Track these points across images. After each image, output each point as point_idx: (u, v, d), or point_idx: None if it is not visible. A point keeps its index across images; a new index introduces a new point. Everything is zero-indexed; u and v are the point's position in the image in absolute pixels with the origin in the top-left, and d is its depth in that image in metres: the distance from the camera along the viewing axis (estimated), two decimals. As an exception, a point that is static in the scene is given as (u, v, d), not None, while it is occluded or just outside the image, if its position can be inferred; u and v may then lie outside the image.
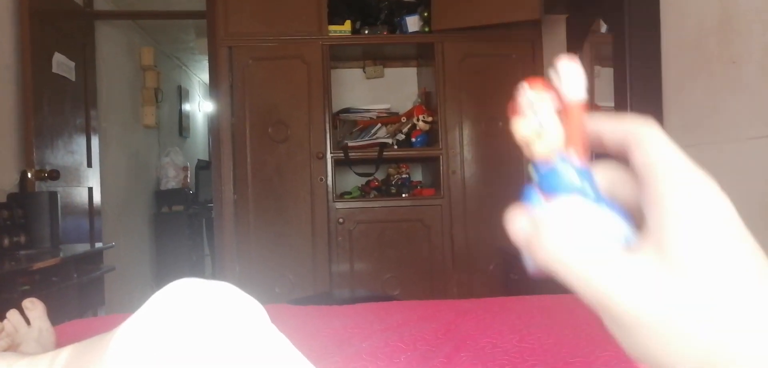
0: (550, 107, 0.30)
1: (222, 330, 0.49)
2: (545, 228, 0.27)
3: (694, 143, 1.90)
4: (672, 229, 0.25)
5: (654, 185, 0.26)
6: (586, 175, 0.29)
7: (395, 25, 3.29)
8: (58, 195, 2.70)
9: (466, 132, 3.18)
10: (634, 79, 2.04)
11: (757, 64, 1.62)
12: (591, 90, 2.52)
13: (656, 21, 2.05)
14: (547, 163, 0.30)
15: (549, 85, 0.30)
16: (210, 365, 0.47)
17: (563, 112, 0.30)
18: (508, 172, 3.20)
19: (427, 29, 3.23)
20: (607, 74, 2.30)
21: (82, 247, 2.83)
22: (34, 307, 1.09)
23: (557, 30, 2.95)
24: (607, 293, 0.25)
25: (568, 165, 0.29)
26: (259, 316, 0.54)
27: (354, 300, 2.00)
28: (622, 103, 2.08)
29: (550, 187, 0.29)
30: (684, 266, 0.24)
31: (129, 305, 3.99)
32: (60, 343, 1.09)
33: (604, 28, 2.39)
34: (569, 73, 0.30)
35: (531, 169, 0.31)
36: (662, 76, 2.05)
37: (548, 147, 0.30)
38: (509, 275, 2.96)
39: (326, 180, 3.09)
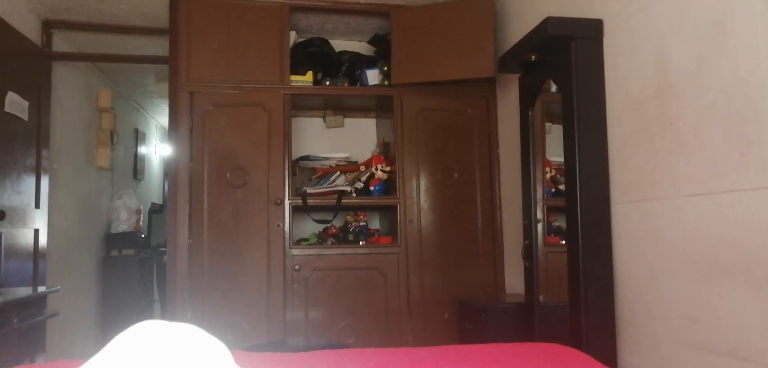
0: None
1: (189, 368, 0.51)
2: None
3: (636, 199, 2.01)
4: None
5: None
6: None
7: (356, 78, 3.38)
8: (2, 237, 2.60)
9: (422, 182, 3.25)
10: (582, 138, 2.16)
11: (692, 126, 1.75)
12: (542, 145, 2.64)
13: (601, 84, 2.19)
14: None
15: None
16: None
17: None
18: (463, 222, 3.27)
19: (386, 83, 3.33)
20: (557, 130, 2.41)
21: (25, 291, 2.71)
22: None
23: (511, 88, 3.09)
24: None
25: None
26: (224, 357, 0.55)
27: (308, 348, 1.99)
28: (571, 160, 2.19)
29: None
30: None
31: (70, 352, 3.81)
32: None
33: (554, 87, 2.52)
34: None
35: None
36: (608, 136, 2.17)
37: None
38: (463, 324, 3.00)
39: (284, 226, 3.08)
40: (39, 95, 3.27)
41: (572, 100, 2.17)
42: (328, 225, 3.36)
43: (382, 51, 3.45)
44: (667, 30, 1.86)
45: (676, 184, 1.82)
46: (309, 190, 3.20)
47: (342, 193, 3.20)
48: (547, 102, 2.64)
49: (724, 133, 1.62)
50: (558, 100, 2.33)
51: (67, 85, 3.89)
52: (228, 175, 3.08)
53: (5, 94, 2.86)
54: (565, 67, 2.21)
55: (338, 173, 3.32)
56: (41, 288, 2.98)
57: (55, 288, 2.87)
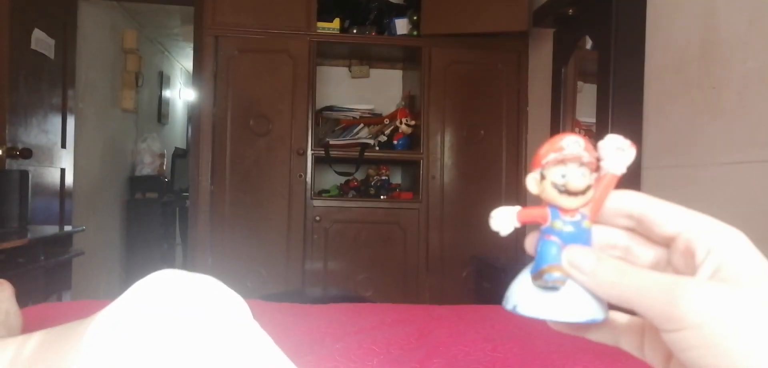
0: (584, 165, 0.32)
1: (204, 323, 0.48)
2: (605, 260, 0.32)
3: (671, 165, 1.93)
4: (726, 265, 0.30)
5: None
6: (588, 236, 0.33)
7: (384, 27, 3.29)
8: (30, 175, 2.63)
9: (447, 138, 3.19)
10: (617, 98, 2.07)
11: (736, 91, 1.65)
12: (572, 104, 2.55)
13: (641, 43, 2.08)
14: (566, 215, 0.33)
15: (588, 146, 0.33)
16: (191, 357, 0.46)
17: (598, 178, 0.33)
18: (487, 181, 3.22)
19: (415, 33, 3.23)
20: (589, 90, 2.33)
21: (51, 229, 2.76)
22: (2, 289, 1.06)
23: (544, 43, 2.98)
24: (675, 308, 0.29)
25: (582, 223, 0.33)
26: (241, 311, 0.53)
27: (326, 300, 1.99)
28: (603, 120, 2.11)
29: (566, 237, 0.33)
30: (742, 283, 0.30)
31: (95, 291, 3.91)
32: (25, 327, 1.06)
33: (589, 44, 2.42)
34: (618, 147, 0.32)
35: (547, 214, 0.34)
36: (644, 97, 2.08)
37: (574, 203, 0.33)
38: (482, 283, 2.98)
39: (305, 176, 3.07)
40: (65, 33, 3.25)
41: (609, 57, 2.08)
42: (350, 177, 3.33)
43: (412, -1, 3.35)
44: (717, -14, 1.74)
45: (715, 150, 1.73)
46: (332, 142, 3.16)
47: (365, 146, 3.16)
48: (581, 59, 2.54)
49: (771, 98, 1.53)
50: (593, 57, 2.24)
51: (93, 24, 3.87)
52: (251, 122, 3.05)
53: (31, 31, 2.85)
54: (605, 22, 2.11)
55: (362, 125, 3.28)
56: (67, 228, 3.03)
57: (81, 228, 2.91)
